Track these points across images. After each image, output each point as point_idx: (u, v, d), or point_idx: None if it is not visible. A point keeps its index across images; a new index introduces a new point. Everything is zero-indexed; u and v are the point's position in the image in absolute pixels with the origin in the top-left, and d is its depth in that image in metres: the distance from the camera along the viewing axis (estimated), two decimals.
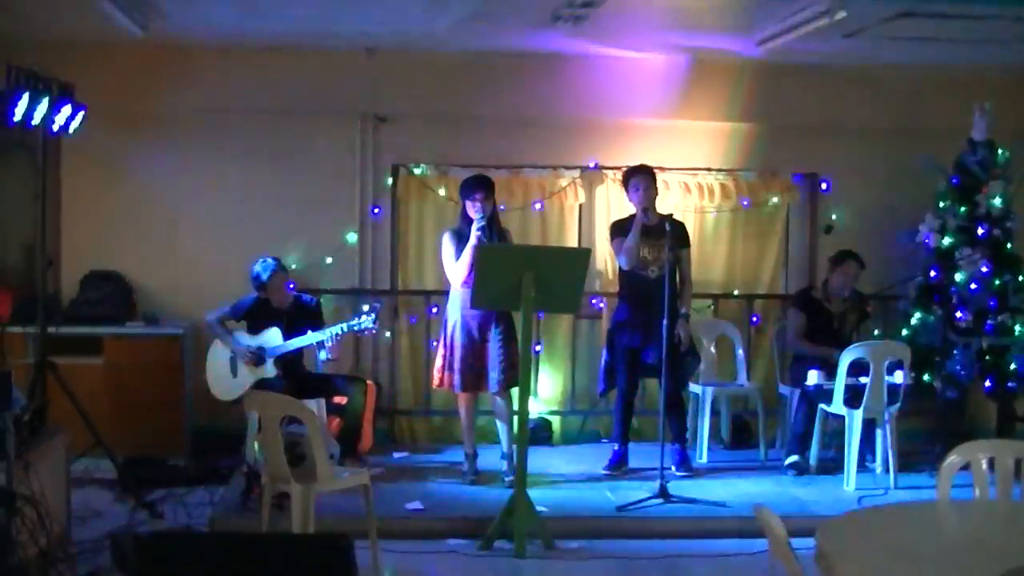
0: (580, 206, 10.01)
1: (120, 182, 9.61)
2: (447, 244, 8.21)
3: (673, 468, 8.40)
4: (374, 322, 8.30)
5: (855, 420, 8.25)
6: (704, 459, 9.05)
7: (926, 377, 9.13)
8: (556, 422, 9.91)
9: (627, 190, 8.54)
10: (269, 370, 8.28)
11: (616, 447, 8.69)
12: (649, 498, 7.68)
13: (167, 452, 8.94)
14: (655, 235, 8.24)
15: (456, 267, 8.06)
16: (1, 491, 5.61)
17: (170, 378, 9.14)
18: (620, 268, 8.61)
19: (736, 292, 10.14)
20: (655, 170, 8.64)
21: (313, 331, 8.32)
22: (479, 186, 8.11)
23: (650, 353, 8.26)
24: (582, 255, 7.64)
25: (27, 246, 9.59)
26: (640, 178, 8.44)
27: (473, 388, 8.25)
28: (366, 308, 8.47)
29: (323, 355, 8.37)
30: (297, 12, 8.16)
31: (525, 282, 7.01)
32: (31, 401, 7.42)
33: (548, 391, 9.99)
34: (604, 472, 8.61)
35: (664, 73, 9.81)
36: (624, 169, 8.75)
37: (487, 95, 9.76)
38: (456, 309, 8.16)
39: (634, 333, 8.38)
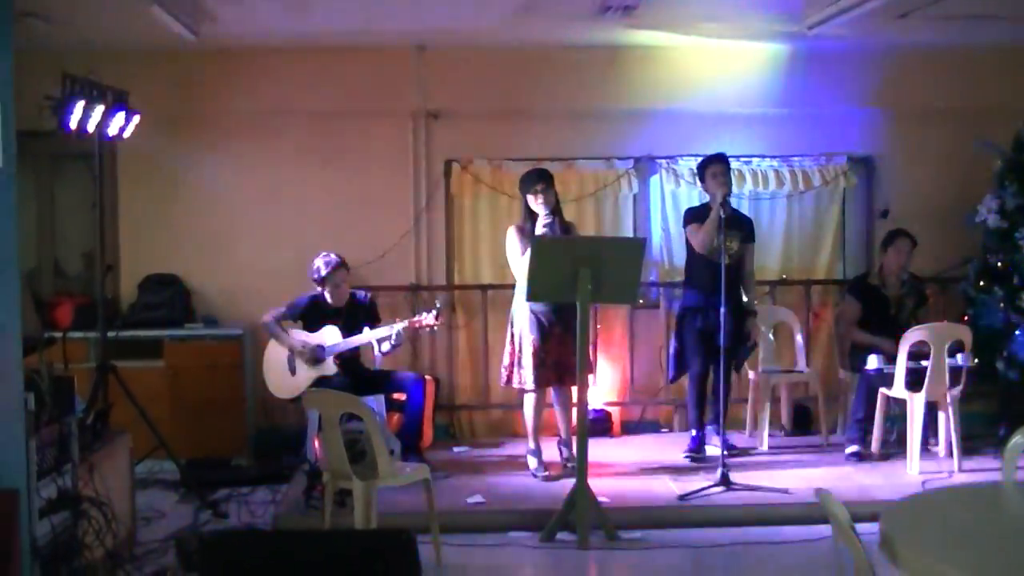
0: (634, 197, 9.99)
1: (176, 186, 9.70)
2: (512, 240, 8.17)
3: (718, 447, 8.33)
4: (436, 318, 8.31)
5: (917, 403, 8.18)
6: (765, 446, 8.98)
7: (989, 360, 9.02)
8: (615, 413, 9.88)
9: (703, 179, 8.54)
10: (328, 368, 8.32)
11: (694, 432, 8.68)
12: (711, 486, 7.65)
13: (230, 453, 9.06)
14: (729, 224, 8.19)
15: (523, 263, 8.02)
16: (67, 494, 5.68)
17: (231, 379, 9.23)
18: (689, 254, 8.63)
19: (793, 278, 10.06)
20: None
21: (370, 328, 8.35)
22: (539, 179, 8.11)
23: (718, 339, 8.22)
24: (637, 245, 7.62)
25: (86, 253, 9.73)
26: (716, 166, 8.44)
27: (544, 384, 8.24)
28: (438, 305, 8.45)
29: (385, 346, 8.34)
30: (346, 10, 8.18)
31: (581, 274, 7.00)
32: (93, 405, 7.56)
33: (607, 382, 9.96)
34: (685, 456, 8.62)
35: (714, 60, 9.76)
36: (700, 159, 8.73)
37: (539, 88, 9.75)
38: (524, 305, 8.13)
39: (705, 317, 8.37)
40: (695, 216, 8.57)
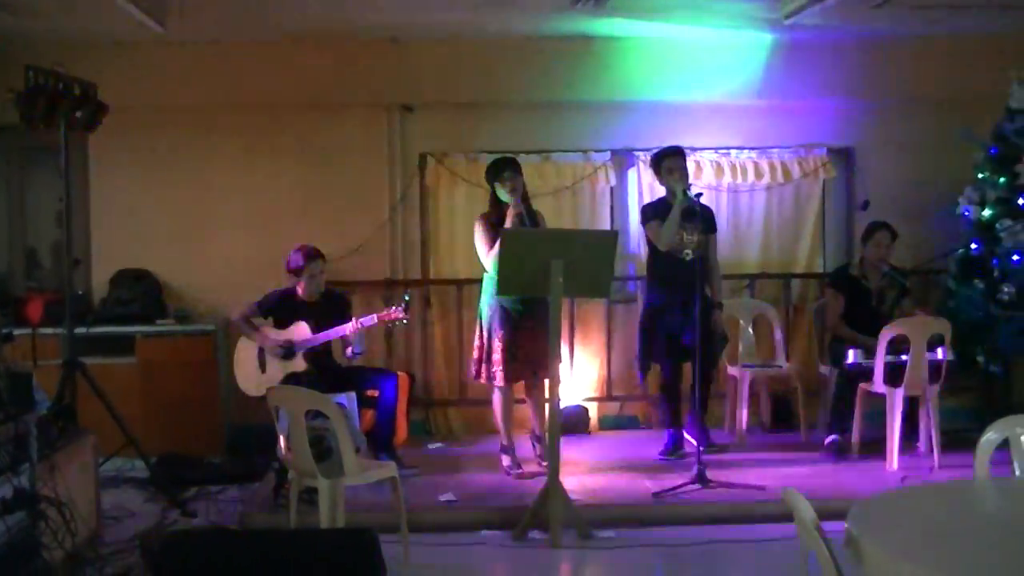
0: (611, 189, 9.88)
1: (147, 180, 9.60)
2: (478, 231, 8.06)
3: (694, 442, 8.22)
4: (404, 311, 8.19)
5: (896, 399, 8.08)
6: (743, 442, 8.87)
7: (970, 354, 8.92)
8: (592, 408, 9.77)
9: (658, 173, 8.42)
10: (299, 364, 8.19)
11: (669, 431, 8.57)
12: (686, 484, 7.54)
13: (203, 450, 8.92)
14: (689, 217, 8.12)
15: (491, 254, 7.89)
16: (24, 493, 5.55)
17: (203, 375, 9.13)
18: (651, 251, 8.49)
19: (772, 272, 9.95)
20: (686, 151, 8.49)
21: (342, 324, 8.23)
22: (506, 165, 8.01)
23: (687, 336, 8.11)
24: (610, 238, 7.47)
25: (58, 249, 9.59)
26: (672, 160, 8.31)
27: (514, 380, 8.12)
28: (406, 298, 8.34)
29: (353, 347, 8.24)
30: (309, 4, 8.07)
31: (553, 267, 6.88)
32: (59, 402, 7.43)
33: (584, 377, 9.84)
34: (660, 457, 8.50)
35: (691, 52, 9.64)
36: (654, 151, 8.60)
37: (514, 80, 9.65)
38: (491, 296, 8.01)
39: (672, 316, 8.25)
40: (654, 212, 8.44)
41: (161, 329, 9.19)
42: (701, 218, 8.04)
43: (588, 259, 7.01)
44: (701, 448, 7.77)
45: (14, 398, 5.82)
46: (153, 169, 9.59)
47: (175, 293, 9.59)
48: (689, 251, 8.12)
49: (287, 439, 6.44)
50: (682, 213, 8.10)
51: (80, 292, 9.33)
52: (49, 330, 8.46)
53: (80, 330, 8.58)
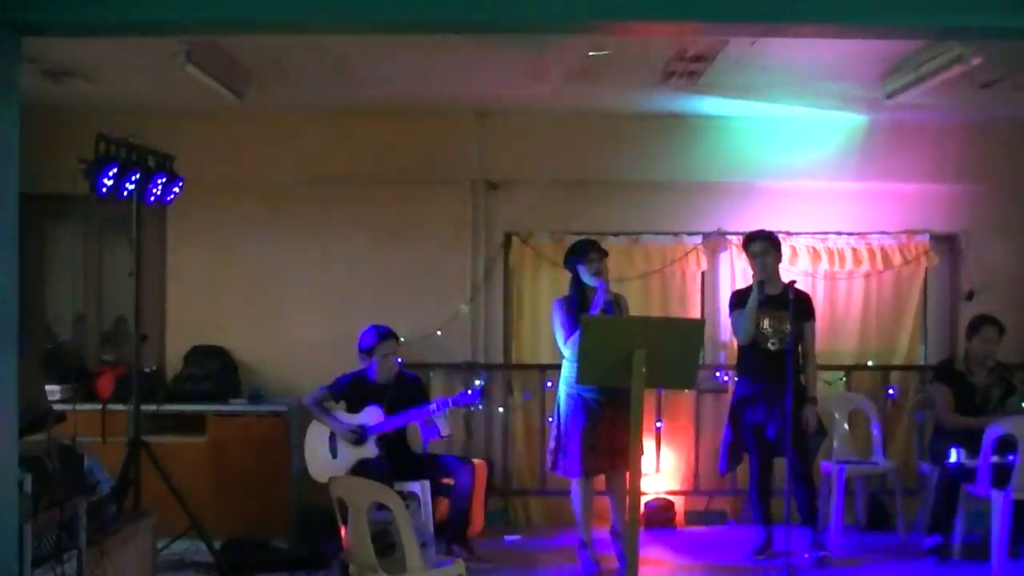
0: (703, 274, 9.52)
1: (225, 255, 9.44)
2: (558, 314, 7.76)
3: (807, 552, 7.79)
4: (478, 396, 7.87)
5: (1002, 502, 7.55)
6: (837, 543, 8.34)
7: None
8: (679, 502, 9.33)
9: (747, 258, 8.05)
10: (370, 450, 7.89)
11: (759, 528, 8.12)
12: None
13: (270, 534, 8.59)
14: (776, 306, 7.74)
15: (570, 340, 7.57)
16: None
17: (274, 457, 8.83)
18: (739, 343, 8.11)
19: (870, 363, 9.48)
20: (778, 235, 8.10)
21: (416, 409, 7.92)
22: (592, 247, 7.72)
23: (772, 429, 7.72)
24: (696, 327, 7.07)
25: (126, 321, 9.45)
26: (758, 245, 7.95)
27: (593, 472, 7.75)
28: (478, 384, 8.04)
29: (439, 426, 7.92)
30: (393, 79, 7.85)
31: (636, 357, 6.50)
32: (122, 482, 7.20)
33: (670, 469, 9.42)
34: (752, 556, 8.05)
35: (788, 132, 9.32)
36: (743, 237, 8.26)
37: (603, 158, 9.38)
38: (569, 384, 7.68)
39: (756, 408, 7.84)
40: (740, 300, 8.07)
41: (232, 408, 8.95)
42: (793, 305, 7.63)
43: (673, 348, 6.59)
44: (805, 555, 7.29)
45: (65, 480, 5.57)
46: (229, 243, 9.43)
47: (250, 371, 9.36)
48: (774, 340, 7.72)
49: (348, 532, 6.12)
50: (765, 301, 7.71)
51: (153, 368, 9.16)
52: (120, 406, 8.25)
53: (150, 407, 8.45)
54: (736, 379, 8.28)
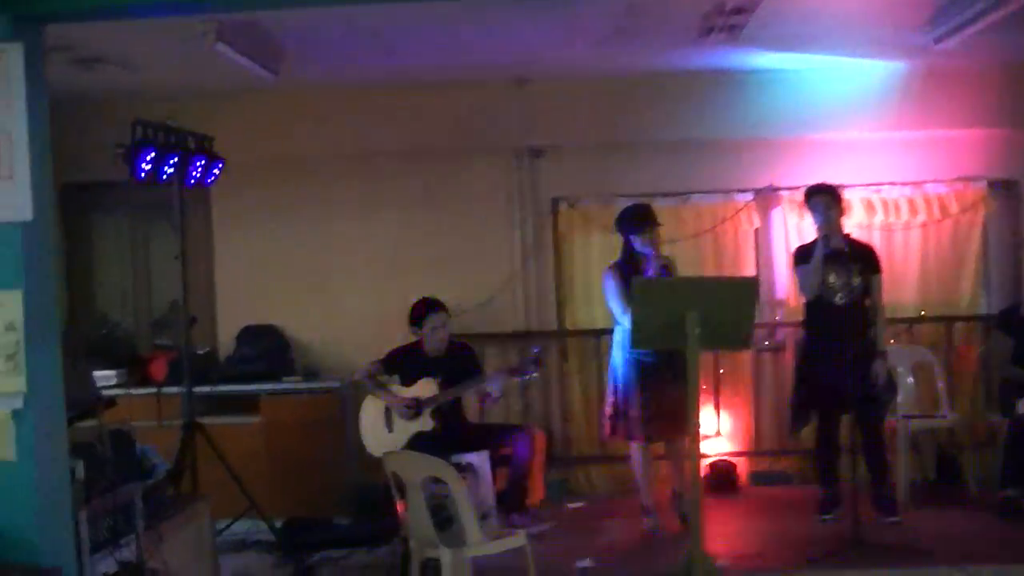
0: (756, 231, 9.34)
1: (271, 233, 9.37)
2: (611, 281, 7.66)
3: (875, 515, 7.63)
4: (535, 365, 7.77)
5: None
6: (906, 500, 8.17)
7: None
8: (741, 464, 9.20)
9: (809, 212, 7.87)
10: (425, 422, 7.82)
11: (824, 490, 7.99)
12: (843, 549, 6.92)
13: (330, 511, 8.54)
14: (841, 259, 7.57)
15: (622, 306, 7.48)
16: (128, 567, 5.24)
17: (330, 433, 8.77)
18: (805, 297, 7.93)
19: (932, 314, 9.26)
20: (838, 188, 7.91)
21: (470, 379, 7.83)
22: (648, 220, 7.65)
23: (842, 386, 7.51)
24: (748, 285, 6.90)
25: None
26: (819, 198, 7.76)
27: (654, 437, 7.64)
28: (535, 351, 7.93)
29: (492, 393, 7.85)
30: (427, 47, 7.74)
31: (689, 319, 6.37)
32: (178, 466, 7.18)
33: (731, 431, 9.29)
34: (819, 518, 7.90)
35: (836, 83, 9.09)
36: (803, 189, 8.07)
37: (648, 119, 9.21)
38: (625, 349, 7.59)
39: (825, 366, 7.62)
40: (803, 255, 7.88)
41: (285, 387, 8.90)
42: (858, 258, 7.45)
43: (726, 308, 6.46)
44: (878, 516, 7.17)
45: (118, 465, 5.53)
46: (276, 221, 9.36)
47: (303, 348, 9.32)
48: (842, 295, 7.55)
49: (405, 507, 6.05)
50: (833, 255, 7.54)
51: (206, 350, 9.14)
52: (174, 389, 8.22)
53: (203, 389, 8.45)
54: (802, 336, 8.10)
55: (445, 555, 5.74)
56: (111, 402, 5.78)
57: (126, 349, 9.30)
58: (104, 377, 8.55)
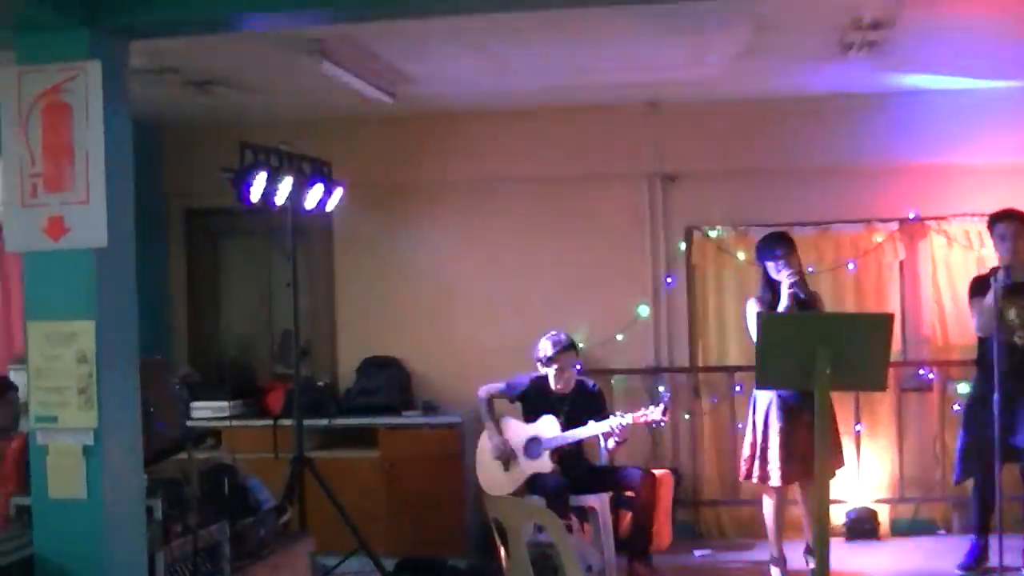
0: (900, 264, 8.80)
1: (392, 262, 9.16)
2: (751, 313, 7.20)
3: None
4: (663, 413, 7.37)
5: None
6: None
7: None
8: (883, 511, 8.64)
9: (993, 240, 7.32)
10: (544, 464, 7.46)
11: (974, 540, 7.40)
12: None
13: (448, 551, 8.25)
14: (1016, 294, 7.00)
15: None
16: None
17: (450, 470, 8.46)
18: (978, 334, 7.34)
19: None
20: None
21: (595, 421, 7.45)
22: (777, 243, 7.16)
23: (1020, 433, 6.98)
24: (884, 321, 6.40)
25: (310, 336, 9.24)
26: (1007, 225, 7.17)
27: (792, 480, 7.17)
28: (665, 398, 7.53)
29: (610, 443, 7.47)
30: (543, 65, 7.43)
31: (819, 357, 5.91)
32: (285, 502, 6.96)
33: (873, 476, 8.74)
34: (958, 571, 7.35)
35: (985, 105, 8.47)
36: (988, 216, 7.48)
37: (786, 145, 8.77)
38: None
39: (999, 410, 7.00)
40: (980, 287, 7.24)
41: (405, 421, 8.65)
42: None
43: (859, 346, 5.99)
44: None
45: (213, 503, 5.33)
46: (399, 250, 9.15)
47: (423, 381, 9.06)
48: (1022, 333, 6.98)
49: (507, 555, 5.70)
50: (1015, 289, 6.96)
51: (326, 381, 8.95)
52: (289, 421, 8.00)
53: (320, 422, 8.28)
54: (975, 377, 7.49)
55: None
56: (202, 438, 5.57)
57: (246, 379, 9.15)
58: (218, 408, 8.44)
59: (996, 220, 7.25)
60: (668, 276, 8.95)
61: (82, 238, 4.42)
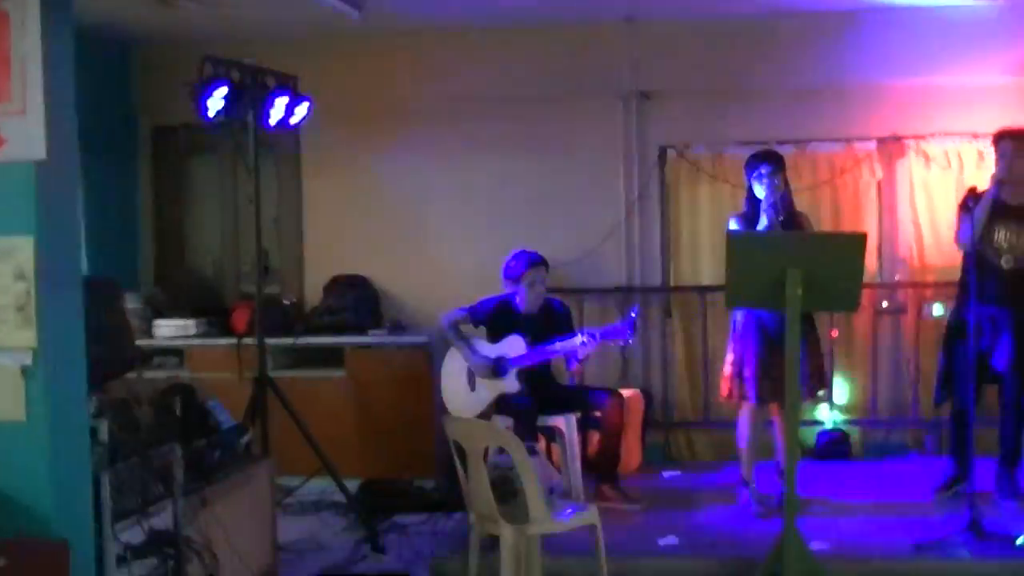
0: (878, 184, 8.67)
1: (363, 181, 9.03)
2: (732, 229, 7.05)
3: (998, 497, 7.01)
4: (630, 332, 7.23)
5: None
6: None
7: None
8: (855, 433, 8.59)
9: (995, 155, 7.10)
10: (511, 384, 7.34)
11: (951, 462, 7.31)
12: (956, 534, 6.28)
13: (414, 472, 8.21)
14: (1017, 217, 6.86)
15: None
16: (155, 537, 4.88)
17: (417, 391, 8.38)
18: (964, 253, 7.13)
19: None
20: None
21: (561, 340, 7.33)
22: (763, 160, 6.96)
23: (1000, 357, 6.88)
24: (856, 241, 6.25)
25: (266, 253, 9.09)
26: (1009, 143, 6.95)
27: (769, 399, 7.07)
28: (632, 315, 7.38)
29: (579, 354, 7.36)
30: None
31: (789, 277, 5.79)
32: (246, 423, 6.83)
33: (846, 397, 8.68)
34: (935, 493, 7.28)
35: (968, 24, 8.28)
36: (993, 133, 7.22)
37: (764, 63, 8.59)
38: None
39: (979, 332, 6.78)
40: (975, 202, 6.91)
41: (371, 340, 8.55)
42: None
43: (832, 266, 5.88)
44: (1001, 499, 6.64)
45: (164, 425, 5.20)
46: (367, 169, 9.00)
47: (393, 301, 8.99)
48: (1008, 257, 6.85)
49: (466, 478, 5.61)
50: (1003, 210, 6.82)
51: (292, 300, 8.83)
52: (250, 341, 7.86)
53: (286, 342, 8.16)
54: (956, 299, 7.34)
55: (505, 532, 5.28)
56: (148, 357, 5.43)
57: (213, 299, 9.03)
58: (182, 327, 8.32)
59: (1000, 137, 7.03)
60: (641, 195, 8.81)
61: (19, 150, 4.23)
